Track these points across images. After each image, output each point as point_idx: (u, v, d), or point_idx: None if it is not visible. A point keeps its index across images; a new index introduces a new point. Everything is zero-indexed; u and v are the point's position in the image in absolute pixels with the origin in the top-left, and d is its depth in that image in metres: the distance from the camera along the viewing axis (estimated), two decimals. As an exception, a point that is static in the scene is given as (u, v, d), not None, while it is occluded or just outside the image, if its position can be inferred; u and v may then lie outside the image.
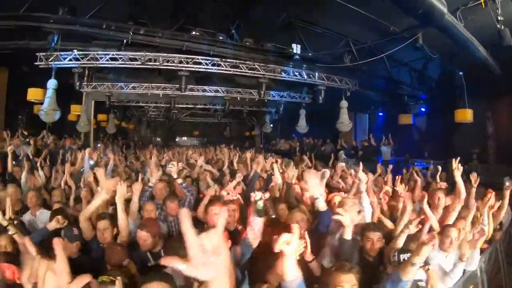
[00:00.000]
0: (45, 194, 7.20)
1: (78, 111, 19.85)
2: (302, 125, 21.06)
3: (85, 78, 17.81)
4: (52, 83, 15.43)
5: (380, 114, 22.51)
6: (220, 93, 20.38)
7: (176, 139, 42.35)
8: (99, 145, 18.71)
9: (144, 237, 4.36)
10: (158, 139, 40.42)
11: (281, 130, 28.64)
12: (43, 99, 16.19)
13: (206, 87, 19.85)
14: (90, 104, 19.63)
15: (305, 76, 16.99)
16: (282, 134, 27.20)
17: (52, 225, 4.46)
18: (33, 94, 16.91)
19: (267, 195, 4.73)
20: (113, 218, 4.68)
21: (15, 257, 3.82)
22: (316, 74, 17.05)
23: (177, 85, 17.33)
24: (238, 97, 20.72)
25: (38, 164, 9.32)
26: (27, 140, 13.87)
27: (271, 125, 28.29)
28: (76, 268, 3.41)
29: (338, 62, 15.68)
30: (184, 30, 14.96)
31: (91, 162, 9.10)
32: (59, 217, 4.53)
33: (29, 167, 8.41)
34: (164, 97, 20.60)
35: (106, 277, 3.07)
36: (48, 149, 12.84)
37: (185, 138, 43.70)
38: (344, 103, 17.87)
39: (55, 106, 15.47)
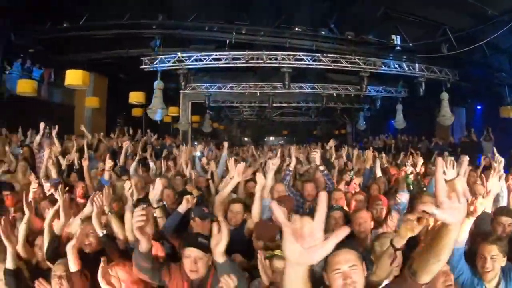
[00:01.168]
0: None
1: (175, 112, 21.00)
2: (399, 121, 20.34)
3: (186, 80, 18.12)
4: (158, 84, 16.39)
5: (478, 107, 21.01)
6: (317, 89, 20.23)
7: (265, 139, 42.49)
8: (195, 143, 19.26)
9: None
10: (246, 139, 40.84)
11: (372, 127, 27.83)
12: (143, 101, 17.50)
13: (302, 84, 19.81)
14: (188, 105, 20.27)
15: (405, 68, 16.48)
16: (373, 131, 26.43)
17: (184, 206, 4.51)
18: (134, 97, 18.14)
19: (418, 168, 4.66)
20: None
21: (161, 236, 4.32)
22: (416, 65, 16.46)
23: (274, 84, 17.38)
24: (335, 93, 20.43)
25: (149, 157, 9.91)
26: (136, 138, 14.55)
27: (364, 122, 27.48)
28: None
29: (436, 52, 15.04)
30: (284, 28, 14.95)
31: (198, 153, 9.58)
32: (188, 196, 4.61)
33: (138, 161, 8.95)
34: (260, 96, 20.75)
35: (280, 251, 3.14)
36: (152, 147, 13.43)
37: (272, 137, 43.69)
38: (445, 95, 16.99)
39: (162, 105, 16.53)
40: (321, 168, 6.15)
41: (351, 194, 5.87)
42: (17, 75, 17.04)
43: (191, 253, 3.20)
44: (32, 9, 14.05)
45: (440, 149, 16.81)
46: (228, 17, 14.85)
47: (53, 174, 6.45)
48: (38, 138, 9.40)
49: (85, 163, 7.03)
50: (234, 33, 14.40)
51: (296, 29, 14.75)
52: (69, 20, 14.75)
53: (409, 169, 4.53)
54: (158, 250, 3.96)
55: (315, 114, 29.42)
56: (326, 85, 20.15)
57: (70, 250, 3.36)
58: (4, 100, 15.78)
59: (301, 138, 38.95)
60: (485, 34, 12.99)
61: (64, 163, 8.23)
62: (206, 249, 3.16)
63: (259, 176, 4.68)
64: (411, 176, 4.56)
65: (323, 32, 14.99)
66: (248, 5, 13.77)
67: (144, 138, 14.85)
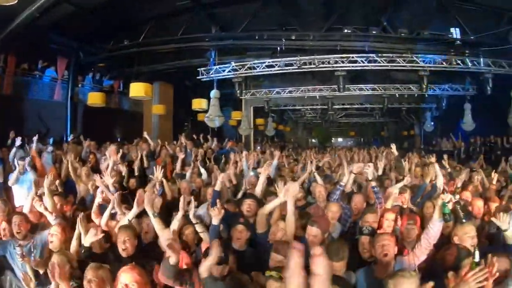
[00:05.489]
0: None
1: (238, 117, 21.70)
2: (468, 122, 18.72)
3: (243, 87, 18.69)
4: (215, 93, 16.98)
5: None
6: (378, 90, 19.65)
7: (332, 140, 42.24)
8: (258, 148, 19.56)
9: (314, 232, 4.38)
10: (314, 140, 40.85)
11: (443, 128, 25.96)
12: (206, 107, 18.13)
13: (362, 86, 19.42)
14: (250, 110, 20.69)
15: (469, 64, 15.09)
16: (442, 132, 24.74)
17: (215, 220, 4.65)
18: (197, 104, 19.09)
19: (457, 196, 4.43)
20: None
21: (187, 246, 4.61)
22: (481, 60, 15.04)
23: (333, 86, 17.10)
24: (397, 94, 19.69)
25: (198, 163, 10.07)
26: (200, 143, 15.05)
27: (432, 123, 25.65)
28: (244, 260, 4.10)
29: (503, 43, 13.88)
30: (334, 30, 14.77)
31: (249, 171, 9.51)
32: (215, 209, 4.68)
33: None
34: (320, 99, 20.57)
35: (275, 273, 3.26)
36: (212, 151, 13.86)
37: (340, 139, 43.42)
38: None
39: (219, 113, 17.02)
40: (373, 184, 6.04)
41: (382, 212, 5.53)
42: (89, 87, 18.70)
43: None
44: (97, 31, 15.93)
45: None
46: (279, 23, 15.03)
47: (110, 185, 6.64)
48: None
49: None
50: (284, 40, 14.45)
51: (346, 30, 14.43)
52: (129, 38, 15.98)
53: (447, 196, 4.28)
54: (184, 258, 4.20)
55: (380, 115, 28.66)
56: (387, 86, 19.41)
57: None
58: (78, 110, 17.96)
59: (368, 139, 38.47)
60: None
61: (124, 170, 8.64)
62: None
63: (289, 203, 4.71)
64: (449, 205, 4.31)
65: (374, 32, 14.48)
66: (298, 9, 13.66)
67: (207, 144, 15.30)
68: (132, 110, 22.10)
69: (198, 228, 4.87)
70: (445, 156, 10.49)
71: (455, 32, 14.29)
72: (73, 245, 4.53)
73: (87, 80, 19.83)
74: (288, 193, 4.73)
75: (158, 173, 6.82)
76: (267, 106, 21.28)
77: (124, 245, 4.39)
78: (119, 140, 17.21)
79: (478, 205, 5.96)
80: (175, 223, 4.84)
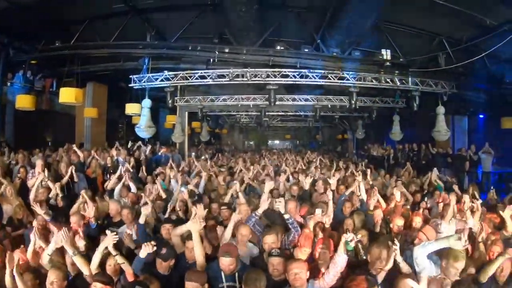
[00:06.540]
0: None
1: (173, 120, 21.26)
2: (396, 132, 19.77)
3: (178, 93, 18.82)
4: (146, 103, 16.57)
5: (481, 116, 20.13)
6: (310, 101, 19.98)
7: (269, 142, 42.96)
8: (193, 154, 19.53)
9: (230, 262, 4.59)
10: (251, 142, 41.39)
11: (374, 134, 27.18)
12: (139, 112, 17.49)
13: (295, 96, 19.75)
14: (184, 116, 20.77)
15: (398, 83, 15.65)
16: (376, 139, 25.81)
17: (144, 253, 4.71)
18: (130, 108, 18.50)
19: (359, 236, 4.72)
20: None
21: (111, 279, 4.48)
22: (410, 79, 15.58)
23: (267, 95, 17.21)
24: (329, 105, 20.17)
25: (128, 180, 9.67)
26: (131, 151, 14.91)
27: (364, 130, 26.50)
28: (168, 284, 4.29)
29: (432, 63, 14.60)
30: (269, 44, 15.01)
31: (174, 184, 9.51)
32: (149, 244, 4.73)
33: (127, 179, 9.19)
34: (254, 107, 20.74)
35: None
36: (146, 159, 13.72)
37: (277, 141, 44.28)
38: (440, 109, 16.09)
39: (150, 123, 16.62)
40: (286, 216, 5.83)
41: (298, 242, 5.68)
42: (19, 86, 17.64)
43: None
44: (29, 29, 14.95)
45: (443, 157, 16.61)
46: (214, 33, 15.13)
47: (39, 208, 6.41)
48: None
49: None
50: (217, 52, 14.52)
51: (278, 47, 14.69)
52: (61, 39, 15.32)
53: (349, 236, 4.51)
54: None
55: (314, 120, 29.17)
56: (320, 97, 19.81)
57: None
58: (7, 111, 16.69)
59: (304, 142, 39.41)
60: (485, 44, 12.56)
61: (53, 190, 8.25)
62: None
63: (194, 231, 4.92)
64: (352, 243, 4.56)
65: (307, 50, 14.82)
66: (232, 22, 13.68)
67: (140, 150, 15.15)
68: (64, 111, 20.67)
69: (119, 259, 4.76)
70: (369, 171, 11.13)
71: (386, 53, 14.84)
72: None
73: (17, 78, 18.73)
74: (193, 224, 4.99)
75: (90, 210, 6.61)
76: (201, 113, 21.36)
77: (52, 286, 4.37)
78: (49, 144, 16.67)
79: (398, 224, 6.44)
80: (97, 255, 4.76)
